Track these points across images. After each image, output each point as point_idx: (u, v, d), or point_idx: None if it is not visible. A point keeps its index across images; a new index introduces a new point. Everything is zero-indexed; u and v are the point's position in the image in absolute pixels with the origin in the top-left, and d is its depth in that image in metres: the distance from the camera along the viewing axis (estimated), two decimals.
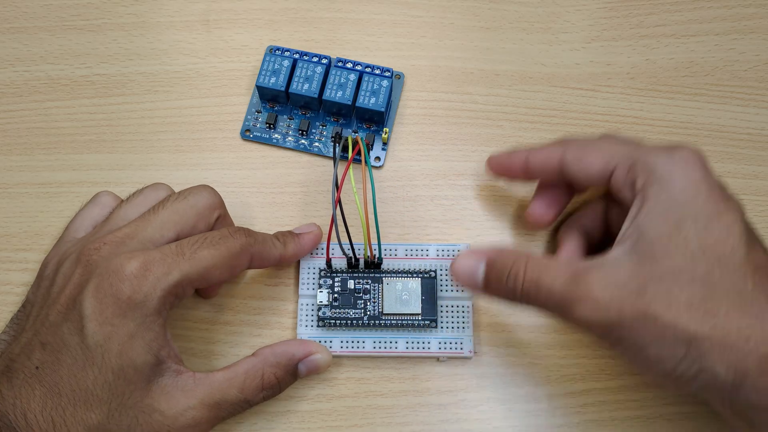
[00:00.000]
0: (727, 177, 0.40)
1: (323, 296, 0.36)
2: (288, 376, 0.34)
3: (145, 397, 0.30)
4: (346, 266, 0.37)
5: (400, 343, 0.36)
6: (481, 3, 0.44)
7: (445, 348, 0.36)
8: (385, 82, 0.39)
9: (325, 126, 0.40)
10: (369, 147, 0.40)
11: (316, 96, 0.39)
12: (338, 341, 0.36)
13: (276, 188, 0.40)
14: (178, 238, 0.33)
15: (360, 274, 0.37)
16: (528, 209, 0.37)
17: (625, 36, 0.43)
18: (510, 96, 0.42)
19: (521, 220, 0.39)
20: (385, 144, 0.40)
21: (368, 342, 0.36)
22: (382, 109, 0.39)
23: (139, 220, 0.33)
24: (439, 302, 0.37)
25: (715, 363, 0.28)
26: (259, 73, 0.39)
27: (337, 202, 0.34)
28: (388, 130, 0.40)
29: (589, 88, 0.42)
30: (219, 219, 0.35)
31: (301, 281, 0.37)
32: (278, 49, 0.40)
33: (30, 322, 0.32)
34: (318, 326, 0.36)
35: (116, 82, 0.42)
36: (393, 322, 0.36)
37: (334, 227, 0.34)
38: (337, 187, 0.33)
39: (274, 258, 0.35)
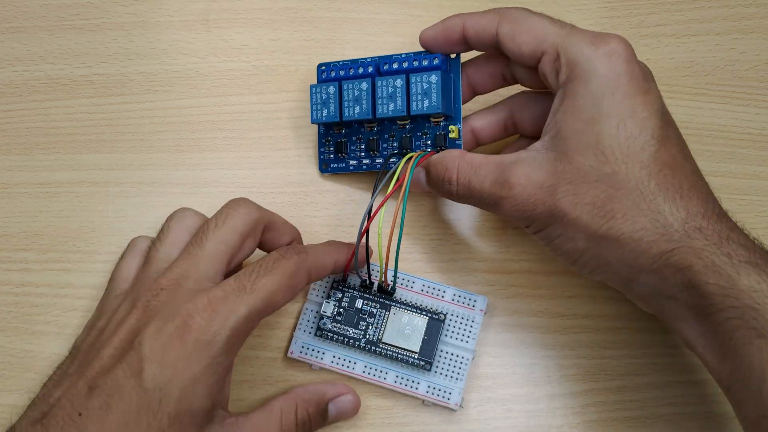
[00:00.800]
0: (728, 177, 0.40)
1: (329, 307, 0.36)
2: (318, 416, 0.33)
3: None
4: (359, 284, 0.37)
5: (390, 375, 0.36)
6: (481, 3, 0.43)
7: (432, 393, 0.36)
8: (433, 78, 0.35)
9: (394, 137, 0.38)
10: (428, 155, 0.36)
11: (370, 116, 0.37)
12: (330, 355, 0.36)
13: (276, 188, 0.40)
14: (230, 266, 0.32)
15: (370, 297, 0.37)
16: (471, 123, 0.37)
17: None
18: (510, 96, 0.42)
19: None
20: (457, 140, 0.37)
21: (359, 365, 0.36)
22: (439, 110, 0.36)
23: (187, 259, 0.31)
24: (440, 346, 0.36)
25: (613, 259, 0.30)
26: (311, 109, 0.38)
27: (365, 233, 0.33)
28: (455, 128, 0.37)
29: None
30: (267, 229, 0.33)
31: (312, 286, 0.37)
32: (324, 65, 0.38)
33: (75, 366, 0.30)
34: (315, 335, 0.36)
35: (116, 82, 0.42)
36: (389, 353, 0.36)
37: (356, 253, 0.34)
38: (369, 216, 0.33)
39: (329, 267, 0.34)
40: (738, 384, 0.27)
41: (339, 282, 0.37)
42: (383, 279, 0.35)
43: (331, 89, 0.38)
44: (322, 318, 0.36)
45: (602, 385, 0.37)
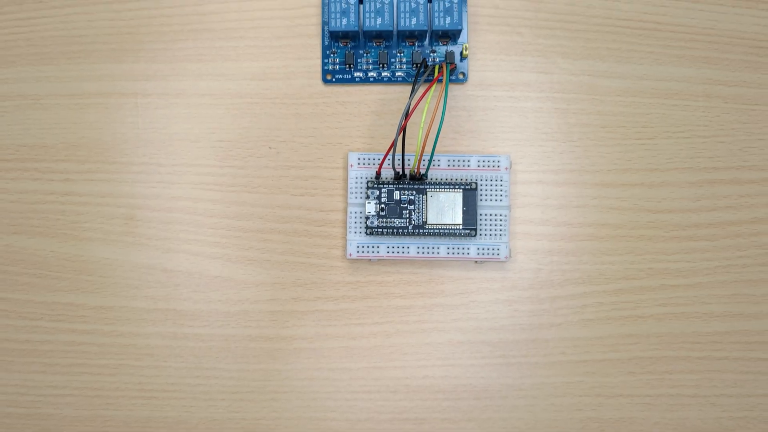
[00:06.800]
0: (742, 87, 0.41)
1: (371, 207, 0.39)
2: None
3: None
4: (392, 177, 0.39)
5: (442, 249, 0.40)
6: None
7: (483, 253, 0.39)
8: None
9: (402, 52, 0.40)
10: (452, 70, 0.40)
11: (391, 29, 0.39)
12: (385, 247, 0.40)
13: (299, 99, 0.41)
14: None
15: (405, 186, 0.39)
16: None
17: None
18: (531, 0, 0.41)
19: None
20: (465, 57, 0.40)
21: (412, 248, 0.40)
22: (460, 27, 0.39)
23: None
24: (479, 211, 0.40)
25: None
26: (329, 18, 0.39)
27: (402, 129, 0.37)
28: (467, 46, 0.40)
29: None
30: None
31: (349, 191, 0.40)
32: None
33: None
34: (366, 234, 0.39)
35: None
36: (436, 231, 0.39)
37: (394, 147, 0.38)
38: (407, 115, 0.36)
39: None
40: None
41: (372, 181, 0.39)
42: (416, 168, 0.39)
43: (351, 0, 0.39)
44: (368, 218, 0.39)
45: (601, 287, 0.40)
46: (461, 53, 0.40)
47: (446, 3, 0.39)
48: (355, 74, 0.41)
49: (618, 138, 0.41)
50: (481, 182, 0.40)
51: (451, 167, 0.40)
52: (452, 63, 0.40)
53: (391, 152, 0.38)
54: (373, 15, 0.39)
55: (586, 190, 0.41)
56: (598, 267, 0.40)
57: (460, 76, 0.41)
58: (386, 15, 0.39)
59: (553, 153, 0.41)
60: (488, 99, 0.41)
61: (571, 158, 0.41)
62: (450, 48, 0.40)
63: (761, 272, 0.40)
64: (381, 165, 0.39)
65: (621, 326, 0.40)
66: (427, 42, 0.40)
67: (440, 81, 0.38)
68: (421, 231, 0.39)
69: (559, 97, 0.41)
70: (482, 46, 0.41)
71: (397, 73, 0.41)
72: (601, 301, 0.40)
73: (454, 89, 0.41)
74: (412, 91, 0.37)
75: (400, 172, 0.39)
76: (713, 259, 0.40)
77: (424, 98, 0.37)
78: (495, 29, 0.41)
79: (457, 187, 0.39)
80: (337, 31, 0.39)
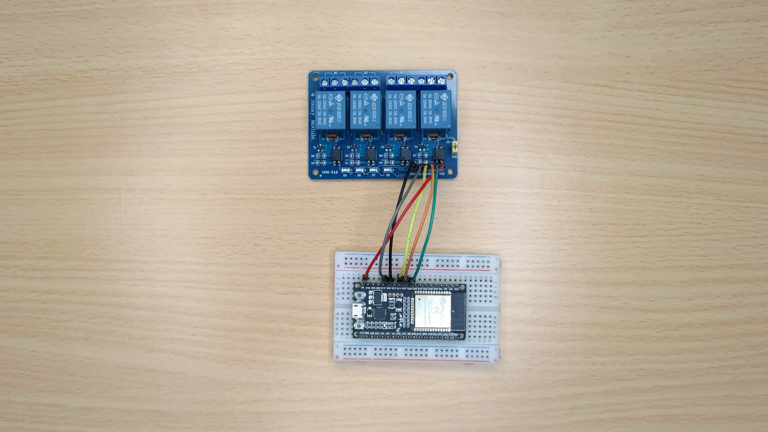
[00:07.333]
0: (736, 183, 0.40)
1: (358, 310, 0.39)
2: None
3: None
4: (379, 278, 0.39)
5: (430, 351, 0.39)
6: None
7: (472, 356, 0.39)
8: (444, 96, 0.38)
9: (391, 148, 0.40)
10: (441, 167, 0.40)
11: (379, 127, 0.38)
12: (372, 349, 0.39)
13: (285, 194, 0.40)
14: None
15: (393, 288, 0.39)
16: None
17: (649, 23, 0.41)
18: (522, 93, 0.40)
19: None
20: (454, 154, 0.40)
21: (400, 350, 0.39)
22: (448, 126, 0.38)
23: None
24: (468, 312, 0.39)
25: None
26: (316, 116, 0.38)
27: (389, 238, 0.37)
28: (457, 143, 0.39)
29: (605, 84, 0.40)
30: None
31: (336, 292, 0.39)
32: (323, 78, 0.39)
33: None
34: (353, 336, 0.39)
35: (116, 78, 0.40)
36: (424, 334, 0.39)
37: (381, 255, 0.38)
38: (394, 224, 0.36)
39: None
40: None
41: (359, 282, 0.39)
42: (404, 273, 0.38)
43: (339, 97, 0.38)
44: (354, 321, 0.39)
45: (592, 389, 0.40)
46: (450, 149, 0.40)
47: (435, 102, 0.38)
48: (342, 170, 0.40)
49: (609, 235, 0.40)
50: (470, 283, 0.39)
51: (439, 267, 0.39)
52: (441, 163, 0.39)
53: (380, 262, 0.38)
54: (360, 113, 0.38)
55: (577, 288, 0.40)
56: (589, 367, 0.40)
57: (450, 172, 0.40)
58: (374, 113, 0.38)
59: (543, 251, 0.40)
60: (477, 195, 0.40)
61: (561, 256, 0.40)
62: (439, 144, 0.40)
63: (754, 373, 0.40)
64: (368, 269, 0.38)
65: (612, 428, 0.40)
66: (418, 136, 0.40)
67: (429, 175, 0.38)
68: (408, 334, 0.39)
69: (549, 194, 0.40)
70: (472, 141, 0.40)
71: (385, 169, 0.40)
72: (593, 403, 0.40)
73: (443, 185, 0.40)
74: (400, 200, 0.37)
75: (388, 276, 0.38)
76: (706, 360, 0.40)
77: (412, 202, 0.37)
78: (485, 123, 0.40)
79: (445, 289, 0.39)
80: (324, 130, 0.39)
